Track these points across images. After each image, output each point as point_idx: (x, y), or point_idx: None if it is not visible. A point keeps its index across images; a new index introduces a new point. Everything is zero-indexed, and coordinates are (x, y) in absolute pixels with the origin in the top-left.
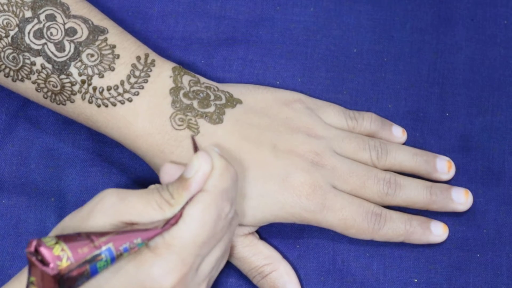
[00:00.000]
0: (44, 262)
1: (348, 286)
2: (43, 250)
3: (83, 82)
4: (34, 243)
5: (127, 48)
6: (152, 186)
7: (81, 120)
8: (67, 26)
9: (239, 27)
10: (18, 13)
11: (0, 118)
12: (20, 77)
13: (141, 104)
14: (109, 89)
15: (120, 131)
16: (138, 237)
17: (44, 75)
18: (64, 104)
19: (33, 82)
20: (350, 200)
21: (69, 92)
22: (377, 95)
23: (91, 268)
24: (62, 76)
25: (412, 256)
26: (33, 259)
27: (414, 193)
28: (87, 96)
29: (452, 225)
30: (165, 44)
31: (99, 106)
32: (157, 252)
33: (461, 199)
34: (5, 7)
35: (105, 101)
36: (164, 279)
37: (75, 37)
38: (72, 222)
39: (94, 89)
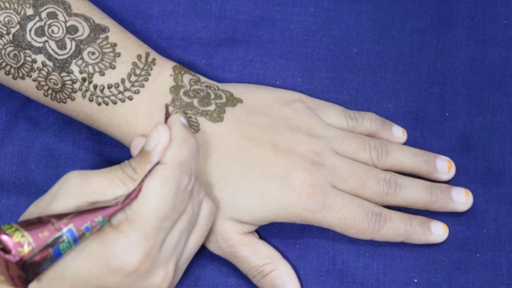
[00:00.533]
0: (5, 250)
1: (348, 286)
2: (4, 238)
3: (83, 79)
4: None
5: (128, 47)
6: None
7: (81, 118)
8: (68, 24)
9: (239, 27)
10: (19, 10)
11: (0, 118)
12: (20, 74)
13: (141, 102)
14: (109, 87)
15: (121, 129)
16: (98, 215)
17: (45, 73)
18: (65, 102)
19: (34, 80)
20: (350, 200)
21: (69, 90)
22: (377, 95)
23: (54, 251)
24: (63, 74)
25: (412, 256)
26: None
27: (414, 193)
28: (88, 94)
29: (452, 225)
30: (165, 44)
31: (99, 104)
32: (119, 229)
33: (461, 199)
34: (7, 4)
35: (106, 99)
36: (128, 256)
37: (76, 35)
38: (37, 208)
39: (95, 87)
